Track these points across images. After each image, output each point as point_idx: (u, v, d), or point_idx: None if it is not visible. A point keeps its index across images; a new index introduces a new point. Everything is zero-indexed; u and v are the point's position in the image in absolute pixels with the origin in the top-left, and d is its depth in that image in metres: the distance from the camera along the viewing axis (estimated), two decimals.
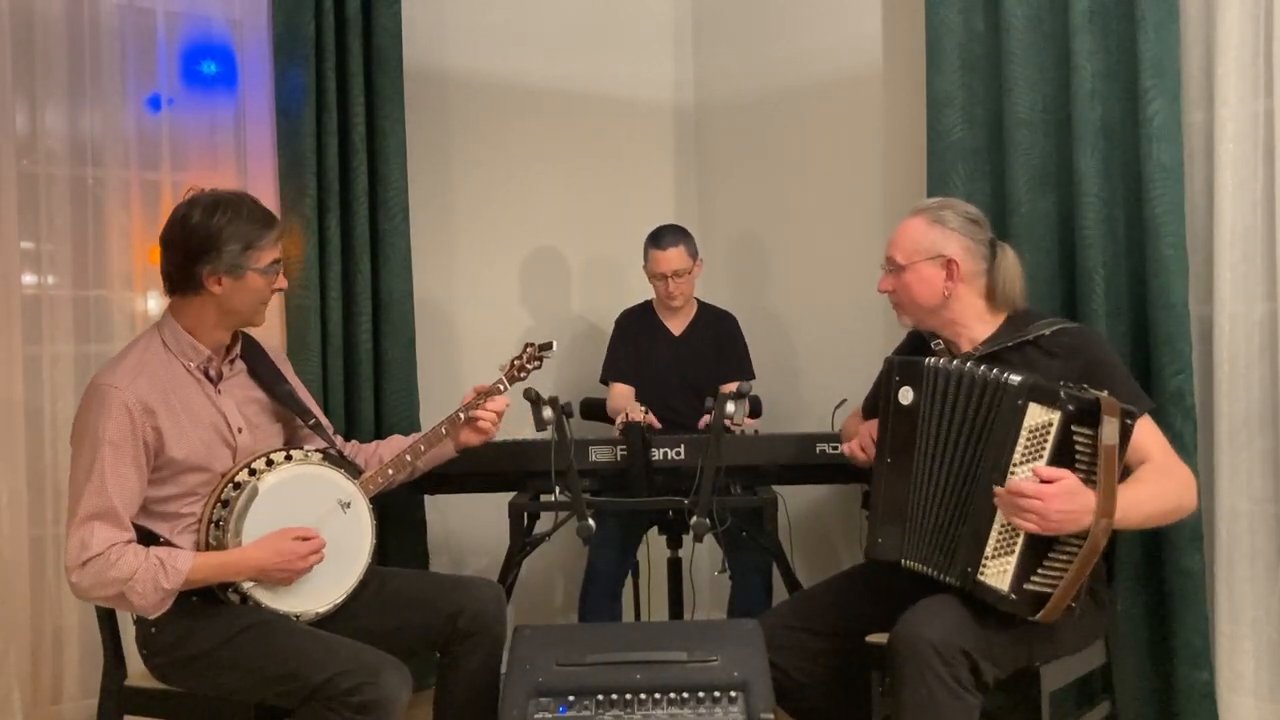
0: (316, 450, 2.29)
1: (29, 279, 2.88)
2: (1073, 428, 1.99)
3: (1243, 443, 2.50)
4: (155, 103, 3.03)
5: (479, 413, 2.46)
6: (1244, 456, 2.50)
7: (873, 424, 2.35)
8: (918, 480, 2.16)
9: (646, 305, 3.48)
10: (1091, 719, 2.33)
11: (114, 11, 2.94)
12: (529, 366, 2.59)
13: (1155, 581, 2.61)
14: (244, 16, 3.14)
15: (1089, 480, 1.97)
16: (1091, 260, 2.64)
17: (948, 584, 2.10)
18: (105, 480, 2.01)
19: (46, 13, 2.86)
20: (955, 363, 2.15)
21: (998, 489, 2.00)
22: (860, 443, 2.38)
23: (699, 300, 3.47)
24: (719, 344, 3.41)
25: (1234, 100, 2.48)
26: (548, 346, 2.59)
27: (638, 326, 3.44)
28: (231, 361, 2.26)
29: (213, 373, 2.21)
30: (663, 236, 3.31)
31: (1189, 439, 2.50)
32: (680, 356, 3.39)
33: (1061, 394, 1.98)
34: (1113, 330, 2.65)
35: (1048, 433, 1.98)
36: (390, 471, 2.37)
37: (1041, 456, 1.99)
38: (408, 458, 2.40)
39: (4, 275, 2.79)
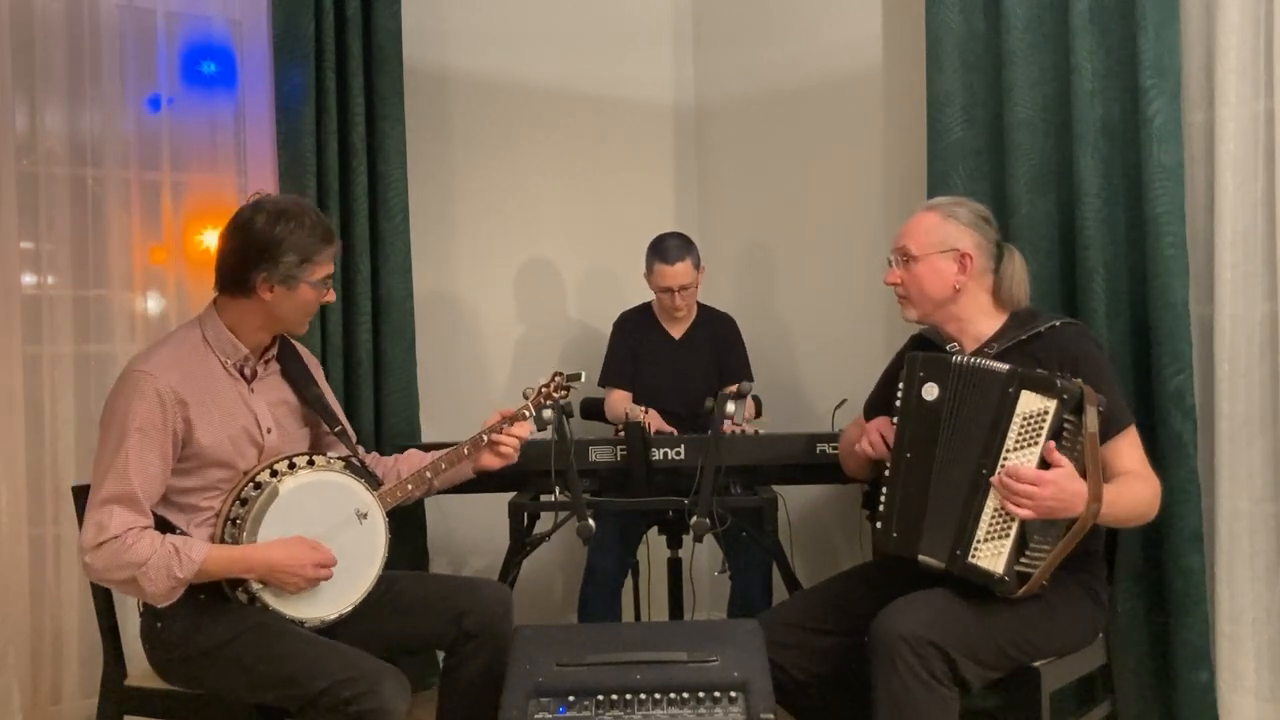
0: (339, 458, 2.28)
1: (29, 279, 2.88)
2: (1064, 415, 2.04)
3: (1243, 443, 2.50)
4: (155, 103, 3.03)
5: (501, 437, 2.43)
6: (1244, 456, 2.50)
7: (883, 420, 2.34)
8: (938, 475, 2.16)
9: (646, 307, 3.44)
10: (1091, 719, 2.33)
11: (114, 11, 2.94)
12: (555, 395, 2.55)
13: (1155, 581, 2.62)
14: (244, 16, 3.14)
15: (1078, 466, 2.02)
16: (1092, 260, 2.64)
17: (948, 574, 2.11)
18: (129, 465, 2.01)
19: (46, 13, 2.86)
20: (977, 360, 2.15)
21: (995, 477, 2.03)
22: (871, 439, 2.36)
23: (698, 303, 3.43)
24: (719, 347, 3.38)
25: (1234, 100, 2.48)
26: (576, 377, 2.55)
27: (637, 330, 3.40)
28: (267, 362, 2.26)
29: (248, 371, 2.22)
30: (669, 250, 3.20)
31: (1189, 439, 2.50)
32: (680, 360, 3.36)
33: (1058, 383, 2.04)
34: (1113, 330, 2.65)
35: (1044, 419, 2.03)
36: (409, 487, 2.35)
37: (1037, 443, 2.03)
38: (427, 474, 2.39)
39: (4, 275, 2.79)
